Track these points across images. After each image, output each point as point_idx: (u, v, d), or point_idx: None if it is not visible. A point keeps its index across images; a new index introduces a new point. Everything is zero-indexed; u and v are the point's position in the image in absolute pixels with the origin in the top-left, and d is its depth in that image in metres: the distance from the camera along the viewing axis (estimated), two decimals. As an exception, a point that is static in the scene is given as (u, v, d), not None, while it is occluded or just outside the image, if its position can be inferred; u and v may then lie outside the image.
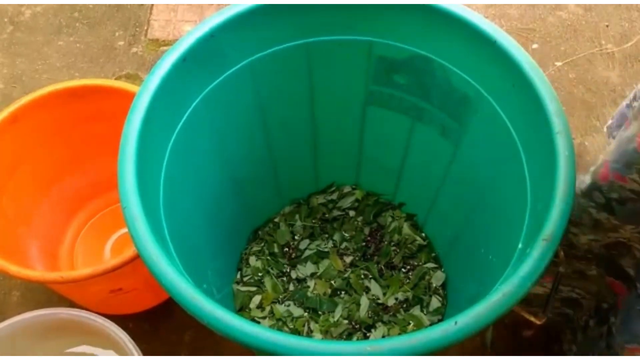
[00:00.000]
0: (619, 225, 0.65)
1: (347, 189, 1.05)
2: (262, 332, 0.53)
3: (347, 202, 1.04)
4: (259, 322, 0.92)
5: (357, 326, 0.92)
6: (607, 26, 1.38)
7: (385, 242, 1.00)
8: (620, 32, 1.37)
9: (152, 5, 1.42)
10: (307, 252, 1.00)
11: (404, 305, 0.94)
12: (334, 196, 1.05)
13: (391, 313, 0.93)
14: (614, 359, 0.65)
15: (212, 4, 1.41)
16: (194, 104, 0.74)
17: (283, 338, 0.53)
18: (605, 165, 0.61)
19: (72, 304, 0.97)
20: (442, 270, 0.98)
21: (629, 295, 0.68)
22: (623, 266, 0.70)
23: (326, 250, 1.00)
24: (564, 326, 0.85)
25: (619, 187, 0.61)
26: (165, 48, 1.34)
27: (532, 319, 0.67)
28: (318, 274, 0.97)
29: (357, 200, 1.04)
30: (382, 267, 0.98)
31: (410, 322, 0.92)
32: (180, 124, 0.72)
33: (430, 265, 0.98)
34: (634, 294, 0.67)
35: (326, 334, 0.91)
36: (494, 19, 1.40)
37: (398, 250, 0.99)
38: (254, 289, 0.96)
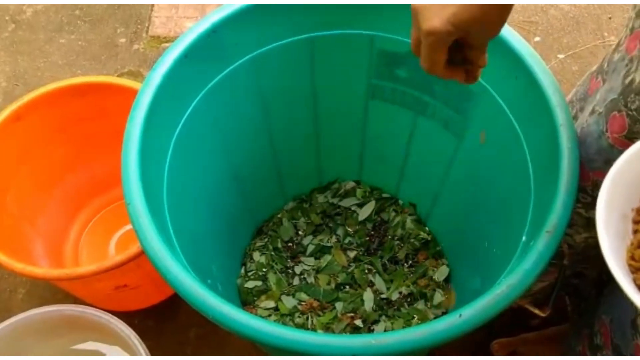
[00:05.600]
0: None
1: (350, 185, 1.05)
2: (267, 326, 0.53)
3: (349, 203, 1.04)
4: (263, 317, 0.93)
5: (362, 320, 0.92)
6: (609, 18, 1.37)
7: (389, 237, 1.01)
8: (623, 24, 1.36)
9: (153, 2, 1.42)
10: (311, 248, 1.00)
11: (408, 300, 0.95)
12: (337, 196, 1.04)
13: (395, 307, 0.94)
14: (613, 359, 0.65)
15: (211, 3, 1.41)
16: (197, 100, 0.74)
17: (288, 332, 0.53)
18: (582, 167, 0.61)
19: (76, 301, 0.98)
20: (446, 264, 0.98)
21: None
22: None
23: (329, 245, 1.00)
24: (571, 296, 0.86)
25: None
26: (166, 45, 1.34)
27: (537, 311, 0.68)
28: (322, 269, 0.97)
29: (359, 199, 1.04)
30: (386, 261, 0.98)
31: (415, 316, 0.92)
32: (183, 120, 0.72)
33: (434, 259, 0.98)
34: None
35: (328, 329, 0.92)
36: (495, 12, 1.39)
37: (402, 245, 0.99)
38: (258, 284, 0.96)
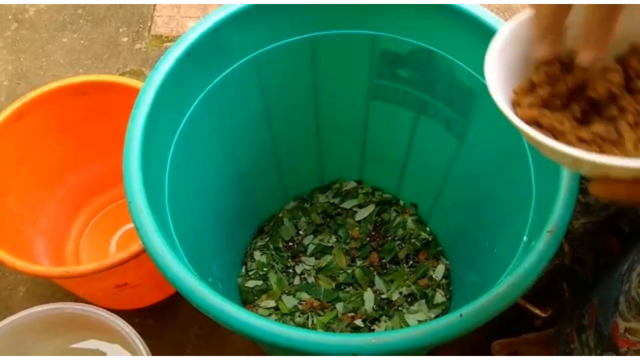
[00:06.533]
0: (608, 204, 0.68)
1: (351, 185, 1.05)
2: (267, 325, 0.53)
3: (350, 204, 1.04)
4: (264, 316, 0.93)
5: (362, 320, 0.92)
6: (611, 19, 1.37)
7: (390, 237, 1.01)
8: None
9: (155, 2, 1.42)
10: (311, 247, 1.00)
11: (409, 300, 0.95)
12: (338, 196, 1.04)
13: (396, 307, 0.94)
14: (614, 359, 0.65)
15: (213, 3, 1.41)
16: (198, 98, 0.74)
17: (288, 330, 0.53)
18: None
19: (77, 299, 0.98)
20: (447, 263, 0.98)
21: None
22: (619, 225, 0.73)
23: (330, 245, 1.00)
24: (570, 282, 0.87)
25: None
26: (168, 44, 1.34)
27: (537, 311, 0.68)
28: (322, 268, 0.98)
29: (360, 201, 1.04)
30: (387, 261, 0.98)
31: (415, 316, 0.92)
32: (185, 118, 0.72)
33: (435, 259, 0.98)
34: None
35: (328, 328, 0.92)
36: (498, 12, 1.39)
37: (403, 245, 1.00)
38: (259, 283, 0.96)
